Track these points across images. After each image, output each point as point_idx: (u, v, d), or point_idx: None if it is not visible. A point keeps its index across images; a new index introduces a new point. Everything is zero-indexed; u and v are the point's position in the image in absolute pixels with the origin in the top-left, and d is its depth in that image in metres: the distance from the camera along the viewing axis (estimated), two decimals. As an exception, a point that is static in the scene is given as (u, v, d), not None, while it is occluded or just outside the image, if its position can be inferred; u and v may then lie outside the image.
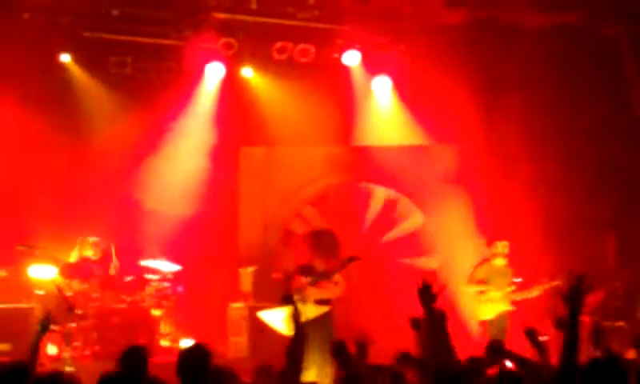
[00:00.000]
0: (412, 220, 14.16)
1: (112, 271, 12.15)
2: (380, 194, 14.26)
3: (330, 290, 10.06)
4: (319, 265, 10.16)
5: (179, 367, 5.97)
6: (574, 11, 12.97)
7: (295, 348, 6.53)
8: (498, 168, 13.46)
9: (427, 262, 13.93)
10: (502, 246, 11.48)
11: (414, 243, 14.11)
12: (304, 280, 10.03)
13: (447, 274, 13.21)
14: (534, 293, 11.36)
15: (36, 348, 6.85)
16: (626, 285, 12.16)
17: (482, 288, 11.44)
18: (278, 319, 9.73)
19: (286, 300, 8.36)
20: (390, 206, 14.21)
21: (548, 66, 13.12)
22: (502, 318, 11.35)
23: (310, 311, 9.78)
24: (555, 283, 10.91)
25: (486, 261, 11.62)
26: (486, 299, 11.42)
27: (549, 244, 12.55)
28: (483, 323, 11.46)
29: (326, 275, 10.05)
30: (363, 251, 13.40)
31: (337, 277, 10.08)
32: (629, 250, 12.95)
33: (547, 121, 13.25)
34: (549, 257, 12.26)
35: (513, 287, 11.45)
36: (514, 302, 11.40)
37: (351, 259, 10.15)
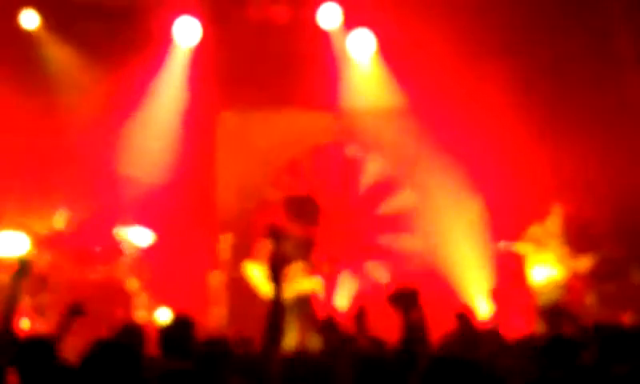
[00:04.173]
0: (401, 198, 13.75)
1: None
2: (373, 167, 13.84)
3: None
4: (296, 232, 9.41)
5: (162, 341, 5.72)
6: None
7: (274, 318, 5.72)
8: (486, 132, 13.01)
9: (410, 241, 13.56)
10: (559, 210, 10.87)
11: (400, 221, 13.69)
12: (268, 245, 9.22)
13: (435, 254, 13.04)
14: (589, 262, 10.80)
15: (15, 297, 5.56)
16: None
17: (534, 249, 10.80)
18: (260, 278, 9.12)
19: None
20: (381, 181, 13.80)
21: (539, 29, 12.79)
22: (554, 285, 10.67)
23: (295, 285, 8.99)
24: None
25: (540, 221, 10.96)
26: (538, 262, 10.79)
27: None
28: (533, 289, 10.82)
29: (306, 244, 9.39)
30: (347, 221, 13.18)
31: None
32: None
33: (535, 85, 12.85)
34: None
35: (568, 251, 10.78)
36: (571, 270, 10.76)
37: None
